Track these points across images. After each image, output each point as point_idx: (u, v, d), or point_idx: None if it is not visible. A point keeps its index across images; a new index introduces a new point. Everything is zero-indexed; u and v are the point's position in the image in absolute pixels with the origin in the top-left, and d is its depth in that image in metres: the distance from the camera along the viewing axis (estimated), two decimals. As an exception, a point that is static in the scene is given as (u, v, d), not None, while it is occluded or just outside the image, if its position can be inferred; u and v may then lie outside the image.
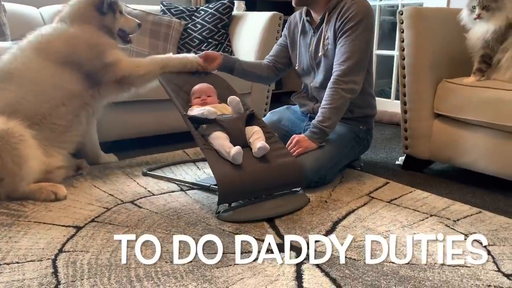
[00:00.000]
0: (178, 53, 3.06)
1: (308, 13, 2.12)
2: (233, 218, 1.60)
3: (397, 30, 2.18)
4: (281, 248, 1.40)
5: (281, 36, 2.36)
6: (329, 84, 1.95)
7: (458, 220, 1.64)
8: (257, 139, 1.76)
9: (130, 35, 2.19)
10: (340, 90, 1.92)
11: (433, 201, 1.82)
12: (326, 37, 2.02)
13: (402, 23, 2.13)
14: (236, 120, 1.82)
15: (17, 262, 1.29)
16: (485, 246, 1.43)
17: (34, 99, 1.84)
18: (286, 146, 1.92)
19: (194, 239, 1.43)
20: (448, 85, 2.06)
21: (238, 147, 1.67)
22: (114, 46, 2.06)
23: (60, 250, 1.36)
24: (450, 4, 3.01)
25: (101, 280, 1.21)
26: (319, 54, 2.06)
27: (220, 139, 1.72)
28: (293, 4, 2.08)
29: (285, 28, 2.29)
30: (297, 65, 2.22)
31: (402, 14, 2.13)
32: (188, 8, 3.21)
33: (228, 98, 1.86)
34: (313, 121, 1.95)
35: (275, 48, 2.32)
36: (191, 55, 2.11)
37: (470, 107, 1.95)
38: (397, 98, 3.49)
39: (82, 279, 1.21)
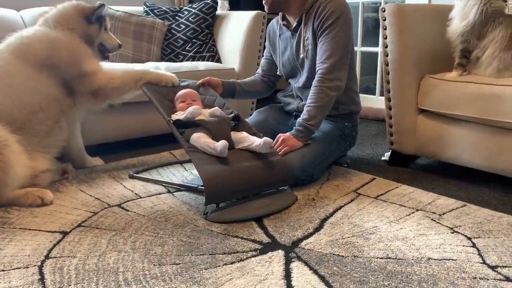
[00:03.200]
0: (163, 54, 3.05)
1: (284, 18, 2.15)
2: (221, 219, 1.60)
3: (380, 27, 2.19)
4: (269, 247, 1.41)
5: (265, 38, 2.36)
6: (314, 83, 1.96)
7: (443, 214, 1.66)
8: (252, 138, 1.77)
9: (109, 53, 2.19)
10: (325, 88, 1.93)
11: (418, 195, 1.84)
12: (306, 38, 2.04)
13: (384, 20, 2.15)
14: (221, 122, 1.82)
15: (3, 270, 1.27)
16: (470, 239, 1.45)
17: (11, 104, 1.80)
18: (273, 145, 1.93)
19: (182, 241, 1.44)
20: (431, 80, 2.08)
21: (223, 141, 1.68)
22: (93, 56, 2.04)
23: (47, 256, 1.35)
24: (432, 1, 3.04)
25: (89, 285, 1.20)
26: (301, 56, 2.08)
27: (201, 138, 1.73)
28: (266, 10, 2.11)
29: (266, 40, 2.33)
30: (280, 69, 2.25)
31: (384, 11, 2.15)
32: (172, 9, 3.20)
33: (209, 112, 1.86)
34: (299, 120, 1.96)
35: (263, 62, 2.36)
36: (168, 73, 2.11)
37: (452, 102, 1.97)
38: (382, 94, 3.52)
39: (70, 285, 1.20)
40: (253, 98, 2.43)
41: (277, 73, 2.28)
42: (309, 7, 2.03)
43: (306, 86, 2.08)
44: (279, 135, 1.96)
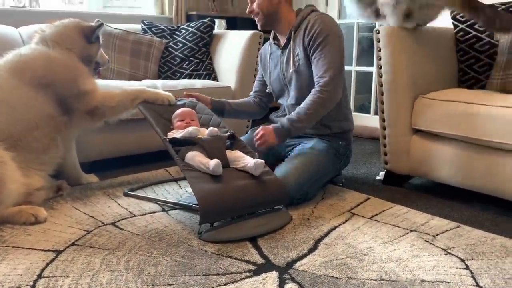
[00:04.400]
0: (160, 71, 3.08)
1: (275, 37, 2.23)
2: (215, 238, 1.59)
3: (375, 48, 2.23)
4: (263, 268, 1.40)
5: (262, 48, 2.42)
6: (312, 91, 1.99)
7: (437, 235, 1.66)
8: (247, 158, 1.78)
9: (100, 68, 2.21)
10: (323, 98, 1.97)
11: (412, 216, 1.85)
12: (296, 54, 2.09)
13: (379, 41, 2.19)
14: (216, 140, 1.83)
15: (-5, 290, 1.26)
16: (463, 261, 1.46)
17: (6, 120, 1.80)
18: (254, 135, 2.00)
19: (176, 261, 1.43)
20: (424, 100, 2.11)
21: (215, 159, 1.69)
22: (90, 75, 2.06)
23: (39, 276, 1.34)
24: (425, 22, 3.08)
25: (81, 306, 1.20)
26: (290, 71, 2.12)
27: (196, 157, 1.74)
28: (259, 28, 2.18)
29: (258, 62, 2.40)
30: (269, 88, 2.29)
31: (378, 33, 2.18)
32: (169, 27, 3.23)
33: (207, 132, 1.88)
34: (285, 118, 1.99)
35: (256, 84, 2.42)
36: (164, 92, 2.13)
37: (445, 122, 2.00)
38: (376, 113, 3.53)
39: (62, 306, 1.19)
40: (245, 118, 2.47)
41: (267, 90, 2.31)
42: (297, 24, 2.09)
43: (298, 102, 2.10)
44: (261, 127, 2.00)
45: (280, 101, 2.30)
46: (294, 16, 2.14)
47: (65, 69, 1.95)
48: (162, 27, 3.21)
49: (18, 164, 1.77)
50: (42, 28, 2.06)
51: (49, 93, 1.90)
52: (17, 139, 1.81)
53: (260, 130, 1.97)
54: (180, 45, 3.09)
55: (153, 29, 3.17)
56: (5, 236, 1.62)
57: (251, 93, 2.43)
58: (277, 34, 2.20)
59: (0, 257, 1.45)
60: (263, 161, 1.75)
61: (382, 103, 2.22)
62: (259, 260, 1.46)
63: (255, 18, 2.15)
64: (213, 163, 1.67)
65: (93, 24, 2.08)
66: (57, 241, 1.58)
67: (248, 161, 1.75)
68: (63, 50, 1.98)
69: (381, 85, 2.21)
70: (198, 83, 2.84)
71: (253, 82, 2.99)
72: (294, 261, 1.45)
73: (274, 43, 2.22)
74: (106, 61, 2.23)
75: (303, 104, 1.99)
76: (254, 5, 2.12)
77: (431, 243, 1.59)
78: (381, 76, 2.20)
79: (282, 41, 2.17)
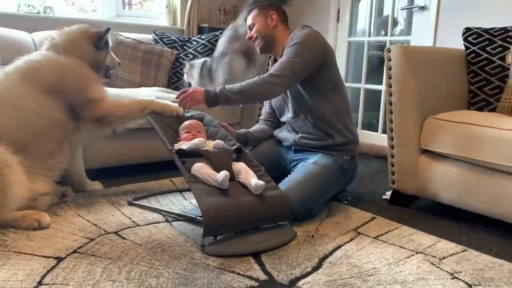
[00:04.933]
0: (169, 82, 3.09)
1: (275, 60, 2.30)
2: (218, 252, 1.57)
3: (385, 67, 2.23)
4: (266, 285, 1.38)
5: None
6: (260, 75, 2.04)
7: (443, 258, 1.63)
8: (247, 174, 1.76)
9: (109, 71, 2.22)
10: (265, 82, 2.00)
11: (419, 238, 1.82)
12: None
13: (390, 60, 2.18)
14: (223, 153, 1.83)
15: (-6, 295, 1.25)
16: (470, 286, 1.43)
17: (15, 125, 1.81)
18: (180, 93, 2.07)
19: (177, 273, 1.41)
20: (434, 121, 2.09)
21: (224, 171, 1.67)
22: (99, 83, 2.07)
23: (39, 283, 1.33)
24: (436, 43, 3.09)
25: (80, 315, 1.18)
26: None
27: (202, 169, 1.73)
28: (259, 52, 2.29)
29: None
30: (273, 105, 2.38)
31: (390, 51, 2.18)
32: (180, 38, 3.25)
33: (212, 144, 1.87)
34: (221, 85, 2.04)
35: (264, 109, 2.51)
36: (173, 104, 2.14)
37: (454, 143, 1.98)
38: (384, 131, 3.54)
39: (61, 315, 1.18)
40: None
41: (268, 110, 2.42)
42: (288, 42, 2.13)
43: (296, 116, 2.18)
44: (192, 88, 2.07)
45: (282, 118, 2.34)
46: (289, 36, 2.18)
47: (75, 77, 1.96)
48: (173, 38, 3.23)
49: (24, 168, 1.78)
50: (52, 35, 2.06)
51: (59, 99, 1.91)
52: (24, 144, 1.82)
53: (191, 89, 2.04)
54: (191, 56, 3.11)
55: (164, 39, 3.19)
56: (7, 240, 1.61)
57: (262, 117, 2.50)
58: (276, 57, 2.26)
59: (1, 262, 1.44)
60: (264, 183, 1.72)
61: (391, 121, 2.21)
62: (262, 276, 1.44)
63: (254, 44, 2.25)
64: (222, 175, 1.66)
65: (100, 30, 2.09)
66: (59, 248, 1.56)
67: (249, 181, 1.73)
68: (73, 57, 1.99)
69: (391, 104, 2.20)
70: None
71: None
72: (298, 279, 1.43)
73: (274, 63, 2.28)
74: (117, 63, 2.23)
75: (245, 81, 2.04)
76: (253, 31, 2.22)
77: (437, 266, 1.56)
78: (390, 95, 2.20)
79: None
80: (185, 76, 2.85)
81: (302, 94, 2.12)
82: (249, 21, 2.24)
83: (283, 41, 2.17)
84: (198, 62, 2.80)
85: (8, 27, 2.73)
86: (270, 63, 2.35)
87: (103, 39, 2.07)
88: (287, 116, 2.25)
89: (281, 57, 2.13)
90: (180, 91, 2.10)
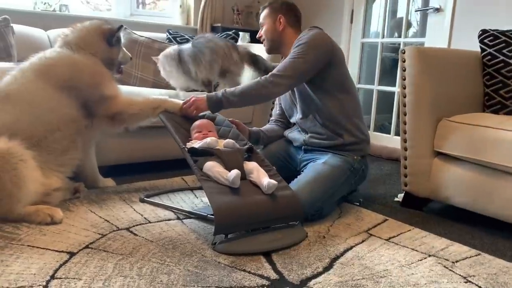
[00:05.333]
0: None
1: None
2: (229, 250, 1.57)
3: (399, 68, 2.21)
4: (277, 284, 1.38)
5: None
6: (262, 77, 2.03)
7: (456, 261, 1.62)
8: (259, 173, 1.76)
9: (122, 65, 2.23)
10: (268, 82, 1.99)
11: (431, 240, 1.80)
12: None
13: (404, 61, 2.17)
14: (235, 153, 1.83)
15: (8, 287, 1.26)
16: (484, 290, 1.41)
17: (29, 121, 1.83)
18: (183, 104, 2.05)
19: (188, 270, 1.42)
20: (448, 123, 2.07)
21: (235, 170, 1.68)
22: (113, 80, 2.08)
23: (52, 277, 1.34)
24: (451, 45, 3.06)
25: (92, 310, 1.18)
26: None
27: (214, 167, 1.73)
28: (266, 51, 2.32)
29: None
30: (282, 106, 2.39)
31: (404, 53, 2.16)
32: (194, 37, 3.26)
33: (223, 143, 1.87)
34: (223, 90, 2.03)
35: (274, 109, 2.52)
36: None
37: (469, 146, 1.96)
38: (397, 133, 3.52)
39: (73, 308, 1.18)
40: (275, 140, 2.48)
41: (278, 111, 2.43)
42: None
43: (305, 116, 2.19)
44: (192, 96, 2.06)
45: (291, 120, 2.34)
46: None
47: (89, 74, 1.98)
48: (186, 37, 3.24)
49: (38, 163, 1.79)
50: (65, 32, 2.08)
51: (73, 96, 1.92)
52: (38, 139, 1.83)
53: (192, 97, 2.04)
54: (204, 55, 3.11)
55: (177, 38, 3.21)
56: (20, 234, 1.62)
57: (272, 118, 2.50)
58: (284, 57, 2.26)
59: (15, 255, 1.46)
60: (276, 182, 1.72)
61: (404, 123, 2.19)
62: (273, 275, 1.43)
63: (263, 43, 2.27)
64: (233, 174, 1.66)
65: (113, 27, 2.10)
66: (71, 243, 1.58)
67: (261, 181, 1.72)
68: (86, 54, 2.00)
69: (404, 105, 2.18)
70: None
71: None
72: (309, 278, 1.42)
73: None
74: (129, 58, 2.24)
75: (246, 83, 2.03)
76: (262, 31, 2.25)
77: (450, 270, 1.54)
78: (404, 96, 2.18)
79: None
80: (161, 70, 2.74)
81: (310, 95, 2.11)
82: (260, 19, 2.27)
83: (291, 44, 2.15)
84: (173, 50, 2.71)
85: (24, 24, 2.77)
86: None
87: (115, 36, 2.08)
88: (296, 117, 2.25)
89: None
90: (182, 102, 2.08)
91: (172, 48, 2.72)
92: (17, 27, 2.63)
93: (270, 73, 2.02)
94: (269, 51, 2.30)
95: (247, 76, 2.72)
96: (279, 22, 2.19)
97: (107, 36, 2.07)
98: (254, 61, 2.73)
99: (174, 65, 2.66)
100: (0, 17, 2.50)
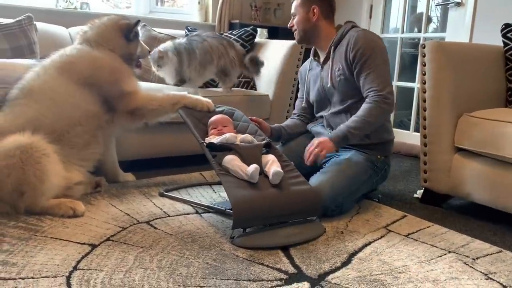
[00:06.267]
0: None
1: (315, 54, 2.26)
2: (247, 244, 1.59)
3: (419, 63, 2.18)
4: (295, 278, 1.38)
5: (301, 66, 2.44)
6: (370, 101, 1.97)
7: (477, 258, 1.59)
8: (271, 164, 1.77)
9: (140, 59, 2.25)
10: (382, 109, 1.95)
11: (451, 237, 1.78)
12: (337, 69, 2.08)
13: (424, 56, 2.14)
14: (254, 148, 1.84)
15: (32, 278, 1.30)
16: (505, 287, 1.39)
17: (52, 116, 1.86)
18: (307, 149, 1.95)
19: (207, 263, 1.43)
20: (470, 119, 2.04)
21: (254, 165, 1.69)
22: (132, 76, 2.11)
23: (75, 268, 1.37)
24: (473, 40, 3.01)
25: (114, 300, 1.21)
26: (329, 85, 2.12)
27: (233, 161, 1.74)
28: (296, 41, 2.24)
29: (299, 79, 2.44)
30: (311, 101, 2.32)
31: (424, 47, 2.14)
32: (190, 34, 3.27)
33: (240, 138, 1.88)
34: (342, 125, 1.96)
35: (298, 103, 2.44)
36: (204, 99, 2.15)
37: (491, 142, 1.92)
38: (416, 130, 3.48)
39: (95, 298, 1.21)
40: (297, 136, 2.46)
41: (303, 105, 2.35)
42: (337, 40, 2.10)
43: (337, 113, 2.14)
44: (315, 139, 1.99)
45: (319, 112, 2.29)
46: (334, 32, 2.14)
47: (109, 70, 2.01)
48: (216, 33, 3.25)
49: (60, 158, 1.83)
50: (83, 29, 2.11)
51: (94, 92, 1.96)
52: (60, 134, 1.87)
53: (315, 141, 1.96)
54: (222, 52, 3.12)
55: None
56: (44, 227, 1.66)
57: (295, 112, 2.44)
58: (317, 49, 2.23)
59: (39, 247, 1.49)
60: (282, 171, 1.73)
61: (424, 119, 2.17)
62: (291, 269, 1.44)
63: (294, 33, 2.21)
64: (252, 168, 1.67)
65: (130, 22, 2.12)
66: (93, 235, 1.61)
67: (270, 169, 1.73)
68: (105, 50, 2.03)
69: (424, 101, 2.16)
70: (237, 91, 2.86)
71: (291, 92, 3.01)
72: (327, 273, 1.43)
73: (314, 59, 2.25)
74: (147, 52, 2.26)
75: (361, 112, 1.96)
76: (294, 21, 2.17)
77: (470, 266, 1.53)
78: (424, 92, 2.15)
79: (322, 56, 2.20)
80: (155, 66, 2.64)
81: (350, 93, 2.08)
82: (292, 8, 2.18)
83: (325, 37, 2.12)
84: (170, 47, 2.64)
85: (46, 22, 2.82)
86: (311, 53, 2.28)
87: (133, 31, 2.11)
88: (327, 111, 2.21)
89: (327, 55, 2.11)
90: (306, 151, 1.97)
91: (170, 43, 2.69)
92: (40, 25, 2.69)
93: (374, 94, 1.95)
94: (299, 42, 2.23)
95: None
96: (312, 13, 2.11)
97: (125, 31, 2.09)
98: (252, 60, 2.72)
99: (172, 59, 2.63)
100: (23, 15, 2.56)
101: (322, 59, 2.19)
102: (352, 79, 2.05)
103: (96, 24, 2.10)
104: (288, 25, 2.22)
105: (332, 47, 2.11)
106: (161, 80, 2.93)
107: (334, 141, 1.94)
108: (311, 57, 2.28)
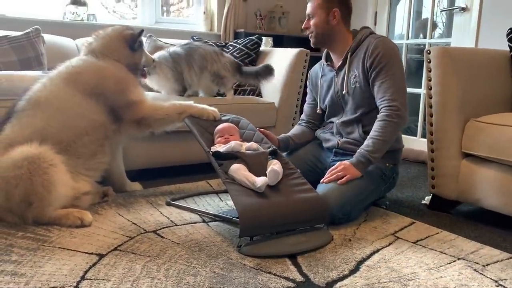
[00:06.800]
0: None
1: (327, 58, 2.22)
2: (255, 253, 1.58)
3: (424, 69, 2.18)
4: (303, 286, 1.37)
5: (306, 74, 2.41)
6: (382, 117, 1.96)
7: (487, 265, 1.58)
8: (270, 167, 1.77)
9: (145, 68, 2.27)
10: (396, 123, 1.95)
11: (460, 243, 1.76)
12: (353, 76, 2.06)
13: (429, 62, 2.14)
14: (259, 156, 1.84)
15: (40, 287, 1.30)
16: (516, 294, 1.37)
17: (58, 126, 1.88)
18: (330, 170, 1.94)
19: (214, 272, 1.43)
20: (477, 124, 2.02)
21: (264, 177, 1.69)
22: (138, 85, 2.13)
23: (82, 278, 1.37)
24: (478, 45, 3.00)
25: (121, 310, 1.21)
26: (344, 92, 2.10)
27: (240, 170, 1.74)
28: (311, 44, 2.18)
29: (308, 84, 2.39)
30: (322, 108, 2.28)
31: (429, 53, 2.13)
32: (217, 43, 3.30)
33: (245, 146, 1.89)
34: (361, 150, 1.94)
35: (307, 108, 2.39)
36: (210, 108, 2.16)
37: (499, 147, 1.91)
38: (423, 136, 3.46)
39: (103, 308, 1.21)
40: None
41: (317, 111, 2.30)
42: (355, 46, 2.07)
43: (348, 122, 2.12)
44: (339, 162, 1.96)
45: (330, 118, 2.26)
46: (350, 37, 2.11)
47: (115, 80, 2.03)
48: (210, 43, 3.27)
49: (67, 168, 1.84)
50: (88, 40, 2.14)
51: (100, 102, 1.97)
52: (67, 144, 1.89)
53: (339, 165, 1.94)
54: (227, 60, 3.14)
55: (201, 44, 3.24)
56: (52, 237, 1.67)
57: (303, 117, 2.40)
58: (331, 54, 2.18)
59: (47, 257, 1.50)
60: (279, 170, 1.75)
61: (431, 125, 2.16)
62: (299, 277, 1.43)
63: (309, 35, 2.14)
64: (261, 180, 1.67)
65: (134, 31, 2.14)
66: (101, 245, 1.61)
67: (268, 171, 1.74)
68: (111, 60, 2.05)
69: (431, 107, 2.15)
70: (243, 99, 2.87)
71: (297, 100, 3.02)
72: (335, 281, 1.42)
73: (327, 64, 2.21)
74: (151, 61, 2.28)
75: (376, 132, 1.95)
76: (311, 22, 2.10)
77: (480, 273, 1.51)
78: (430, 97, 2.15)
79: (337, 61, 2.16)
80: (151, 77, 2.63)
81: (364, 102, 2.07)
82: (309, 9, 2.09)
83: (342, 41, 2.09)
84: (163, 56, 2.68)
85: (54, 34, 2.86)
86: (323, 57, 2.24)
87: (137, 41, 2.13)
88: (338, 118, 2.18)
89: (344, 61, 2.08)
90: (328, 172, 1.96)
91: (165, 51, 2.73)
92: (47, 37, 2.72)
93: (387, 107, 1.95)
94: (315, 45, 2.16)
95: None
96: (333, 16, 2.05)
97: (129, 41, 2.12)
98: (239, 68, 2.77)
99: (169, 67, 2.66)
100: (31, 28, 2.59)
101: (337, 64, 2.15)
102: (367, 88, 2.04)
103: (101, 35, 2.12)
104: (303, 26, 2.14)
105: (349, 54, 2.08)
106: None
107: (359, 168, 1.92)
108: (324, 61, 2.23)
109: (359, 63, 2.04)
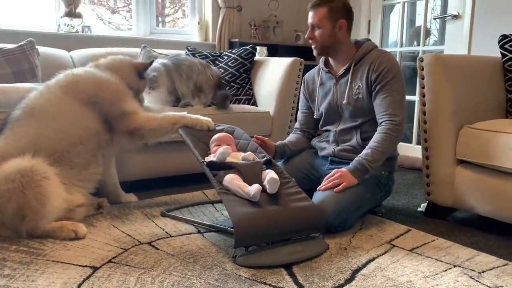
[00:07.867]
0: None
1: (326, 65, 2.21)
2: (250, 263, 1.57)
3: (418, 76, 2.19)
4: (298, 296, 1.37)
5: (301, 84, 2.42)
6: (383, 130, 1.97)
7: (483, 272, 1.57)
8: (267, 176, 1.76)
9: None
10: (395, 136, 1.97)
11: (456, 250, 1.76)
12: (356, 87, 2.07)
13: (422, 69, 2.15)
14: (254, 165, 1.83)
15: (33, 302, 1.29)
16: (513, 301, 1.37)
17: (53, 134, 1.88)
18: (326, 178, 1.94)
19: (209, 284, 1.42)
20: (470, 130, 2.03)
21: (256, 185, 1.68)
22: (134, 98, 2.16)
23: (76, 291, 1.36)
24: (471, 52, 3.02)
25: (115, 323, 1.20)
26: (344, 102, 2.10)
27: (234, 180, 1.74)
28: (315, 54, 2.17)
29: (302, 90, 2.37)
30: (317, 115, 2.27)
31: (422, 61, 2.15)
32: (212, 53, 3.32)
33: (242, 156, 1.88)
34: (360, 158, 1.95)
35: (301, 117, 2.39)
36: (204, 118, 2.16)
37: (493, 153, 1.91)
38: (418, 143, 3.47)
39: (96, 322, 1.20)
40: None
41: (314, 116, 2.29)
42: (359, 57, 2.08)
43: (347, 129, 2.13)
44: (336, 170, 1.96)
45: (326, 126, 2.26)
46: (353, 46, 2.13)
47: (112, 90, 2.04)
48: (205, 53, 3.29)
49: (61, 180, 1.84)
50: (98, 59, 2.21)
51: (96, 111, 1.98)
52: (61, 154, 1.88)
53: (336, 172, 1.95)
54: (222, 70, 3.15)
55: (196, 55, 3.25)
56: (45, 250, 1.66)
57: (297, 126, 2.39)
58: (332, 61, 2.18)
59: (41, 270, 1.49)
60: (278, 178, 1.74)
61: (425, 132, 2.16)
62: (294, 288, 1.42)
63: (312, 45, 2.13)
64: (254, 189, 1.66)
65: (145, 62, 2.20)
66: (95, 258, 1.60)
67: (265, 180, 1.74)
68: (112, 74, 2.09)
69: (424, 114, 2.16)
70: (238, 108, 2.88)
71: (292, 108, 3.02)
72: (330, 291, 1.41)
73: (327, 71, 2.20)
74: (146, 85, 2.37)
75: (375, 142, 1.96)
76: (316, 33, 2.07)
77: (476, 280, 1.50)
78: (424, 105, 2.15)
79: (337, 69, 2.16)
80: (151, 89, 2.62)
81: (363, 112, 2.08)
82: (313, 19, 2.06)
83: (346, 51, 2.10)
84: (157, 69, 2.65)
85: (48, 46, 2.86)
86: (321, 61, 2.23)
87: (147, 70, 2.24)
88: (336, 126, 2.18)
89: (346, 71, 2.09)
90: (325, 180, 1.96)
91: (156, 63, 2.70)
92: (42, 49, 2.72)
93: (387, 120, 1.98)
94: (319, 55, 2.17)
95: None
96: (339, 27, 2.05)
97: (139, 70, 2.22)
98: (220, 83, 2.81)
99: (162, 78, 2.67)
100: (25, 40, 2.60)
101: (338, 73, 2.14)
102: (369, 99, 2.05)
103: (112, 57, 2.21)
104: (307, 35, 2.11)
105: (353, 64, 2.08)
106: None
107: (356, 175, 1.93)
108: (322, 68, 2.21)
109: (363, 75, 2.05)
